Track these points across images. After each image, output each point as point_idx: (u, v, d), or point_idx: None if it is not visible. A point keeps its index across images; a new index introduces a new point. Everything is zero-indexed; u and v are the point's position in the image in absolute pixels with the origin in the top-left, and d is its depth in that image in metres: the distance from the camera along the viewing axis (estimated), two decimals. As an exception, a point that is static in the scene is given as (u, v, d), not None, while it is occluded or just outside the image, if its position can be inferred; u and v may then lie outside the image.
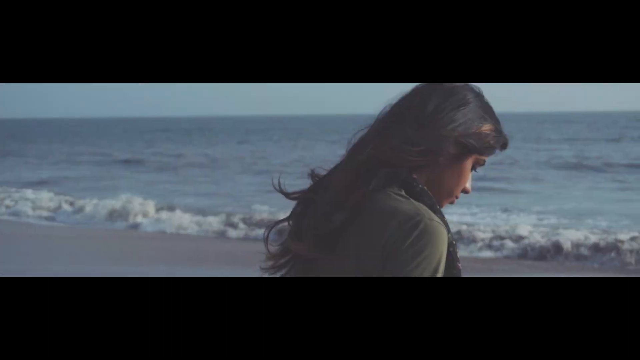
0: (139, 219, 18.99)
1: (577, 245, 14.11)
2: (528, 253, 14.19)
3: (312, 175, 2.28)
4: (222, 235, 17.10)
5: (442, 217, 2.13)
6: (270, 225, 2.33)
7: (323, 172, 2.27)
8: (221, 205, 21.84)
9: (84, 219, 19.77)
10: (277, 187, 2.29)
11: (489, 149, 2.24)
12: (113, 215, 19.45)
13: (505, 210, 20.45)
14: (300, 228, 2.21)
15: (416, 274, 2.02)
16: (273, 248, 2.26)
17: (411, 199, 2.12)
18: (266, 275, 2.27)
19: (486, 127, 2.22)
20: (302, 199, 2.25)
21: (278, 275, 2.26)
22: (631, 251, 13.58)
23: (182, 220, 18.27)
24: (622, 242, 13.98)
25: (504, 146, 2.28)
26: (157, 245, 15.55)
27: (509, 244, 14.56)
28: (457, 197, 2.25)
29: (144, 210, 19.49)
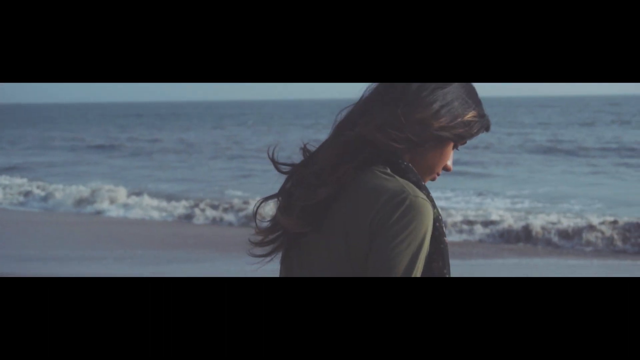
0: (110, 205, 18.98)
1: (550, 230, 14.19)
2: (501, 237, 14.24)
3: (304, 150, 2.30)
4: (192, 220, 17.10)
5: (427, 193, 2.18)
6: (260, 200, 2.35)
7: (314, 148, 2.30)
8: (194, 190, 21.79)
9: (56, 205, 19.72)
10: (270, 156, 2.31)
11: (472, 136, 2.29)
12: (85, 201, 19.40)
13: (480, 194, 20.52)
14: (289, 203, 2.24)
15: (402, 248, 2.07)
16: (263, 223, 2.30)
17: (396, 176, 2.16)
18: (255, 249, 2.30)
19: (470, 115, 2.26)
20: (292, 174, 2.28)
21: (267, 249, 2.30)
22: (602, 237, 13.66)
23: (154, 205, 18.33)
24: (594, 226, 14.06)
25: (487, 129, 2.33)
26: (131, 230, 15.54)
27: (483, 227, 14.61)
28: (438, 174, 2.31)
29: (115, 196, 19.47)
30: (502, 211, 16.23)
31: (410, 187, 2.14)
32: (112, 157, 35.65)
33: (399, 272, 2.08)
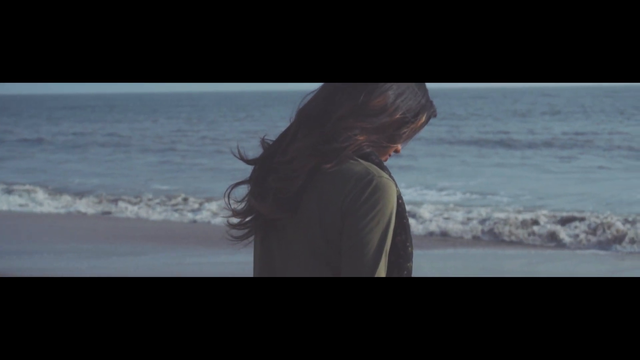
0: (30, 200, 18.74)
1: (481, 221, 14.27)
2: (435, 231, 14.22)
3: (263, 142, 2.46)
4: (116, 214, 16.88)
5: (389, 173, 2.36)
6: (232, 185, 2.47)
7: (271, 140, 2.46)
8: (122, 184, 21.52)
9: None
10: (237, 155, 2.47)
11: (420, 129, 2.53)
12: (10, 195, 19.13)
13: (410, 186, 20.49)
14: (262, 190, 2.39)
15: (372, 225, 2.27)
16: (238, 206, 2.45)
17: (360, 160, 2.35)
18: (233, 231, 2.46)
19: (423, 120, 2.50)
20: (261, 164, 2.42)
21: (245, 231, 2.45)
22: (529, 231, 13.75)
23: (75, 201, 18.19)
24: (523, 220, 14.15)
25: (434, 116, 2.57)
26: (64, 225, 15.36)
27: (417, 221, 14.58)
28: (389, 156, 2.50)
29: (33, 191, 19.29)
30: (432, 205, 16.26)
31: (374, 169, 2.33)
32: (42, 151, 35.06)
33: (372, 247, 2.27)
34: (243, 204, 2.45)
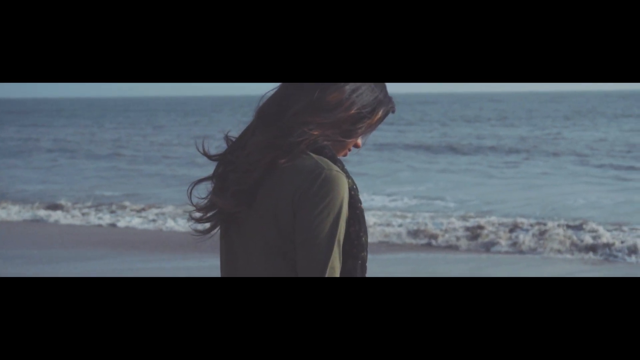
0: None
1: (429, 227, 14.34)
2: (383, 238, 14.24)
3: (227, 138, 2.54)
4: (59, 221, 16.68)
5: (341, 166, 2.41)
6: (194, 182, 2.55)
7: (235, 136, 2.53)
8: (66, 190, 21.30)
9: None
10: (201, 151, 2.54)
11: (377, 125, 2.57)
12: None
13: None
14: (223, 186, 2.47)
15: (323, 217, 2.33)
16: (200, 201, 2.52)
17: (312, 154, 2.40)
18: (197, 226, 2.54)
19: (380, 115, 2.53)
20: (222, 160, 2.50)
21: (207, 226, 2.53)
22: (475, 234, 13.84)
23: (16, 207, 18.06)
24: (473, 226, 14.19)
25: (392, 112, 2.61)
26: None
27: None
28: (349, 150, 2.56)
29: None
30: (379, 211, 16.31)
31: (325, 162, 2.38)
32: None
33: (323, 239, 2.33)
34: (206, 200, 2.51)
